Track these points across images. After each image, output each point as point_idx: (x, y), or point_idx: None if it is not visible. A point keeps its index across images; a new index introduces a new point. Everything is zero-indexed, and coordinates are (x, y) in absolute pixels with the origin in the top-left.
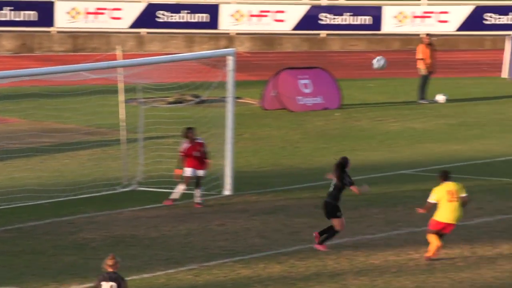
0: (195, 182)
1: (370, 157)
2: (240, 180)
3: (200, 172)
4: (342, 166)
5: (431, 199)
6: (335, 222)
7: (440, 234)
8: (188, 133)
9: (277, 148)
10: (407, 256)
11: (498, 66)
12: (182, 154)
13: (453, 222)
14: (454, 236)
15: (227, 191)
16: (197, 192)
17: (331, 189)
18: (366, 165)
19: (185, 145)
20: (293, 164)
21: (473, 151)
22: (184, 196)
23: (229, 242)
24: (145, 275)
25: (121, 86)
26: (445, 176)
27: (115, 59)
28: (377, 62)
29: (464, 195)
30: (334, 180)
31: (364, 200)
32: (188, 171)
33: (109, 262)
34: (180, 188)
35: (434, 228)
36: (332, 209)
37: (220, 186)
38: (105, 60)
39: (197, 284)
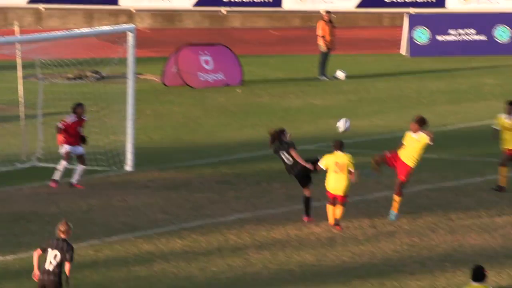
0: (78, 159)
1: None
2: (142, 156)
3: (79, 149)
4: (279, 136)
5: (320, 163)
6: (307, 192)
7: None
8: (78, 108)
9: (178, 124)
10: (308, 230)
11: (396, 43)
12: (64, 124)
13: (339, 193)
14: (354, 210)
15: (128, 167)
16: (79, 169)
17: (289, 161)
18: (267, 140)
19: (71, 118)
20: (195, 140)
21: (373, 126)
22: (85, 172)
23: (131, 218)
24: None
25: (19, 61)
26: (338, 146)
27: (13, 35)
28: (343, 123)
29: (352, 169)
30: (284, 155)
31: (266, 175)
32: (66, 147)
33: (61, 227)
34: (62, 164)
35: (328, 197)
36: (308, 175)
37: (121, 162)
38: (2, 36)
39: (98, 260)
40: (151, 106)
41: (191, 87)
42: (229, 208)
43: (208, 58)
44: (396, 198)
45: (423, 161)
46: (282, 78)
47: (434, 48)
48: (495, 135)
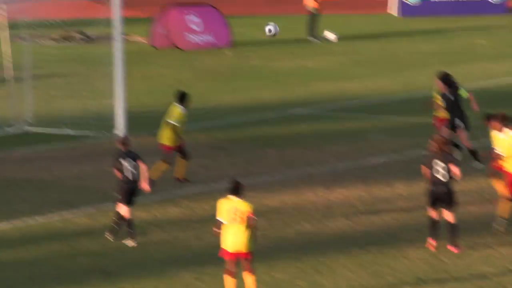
0: None
1: (263, 96)
2: (133, 120)
3: None
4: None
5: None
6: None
7: None
8: None
9: (169, 88)
10: (305, 197)
11: (385, 2)
12: None
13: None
14: (351, 177)
15: (119, 131)
16: None
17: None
18: (260, 104)
19: None
20: None
21: (364, 89)
22: (75, 137)
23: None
24: (40, 219)
25: (4, 22)
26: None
27: None
28: (274, 28)
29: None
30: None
31: (260, 140)
32: None
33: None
34: None
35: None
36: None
37: (112, 127)
38: None
39: (94, 228)
40: (139, 69)
41: (179, 48)
42: (224, 174)
43: (196, 19)
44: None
45: (419, 126)
46: (271, 40)
47: (425, 8)
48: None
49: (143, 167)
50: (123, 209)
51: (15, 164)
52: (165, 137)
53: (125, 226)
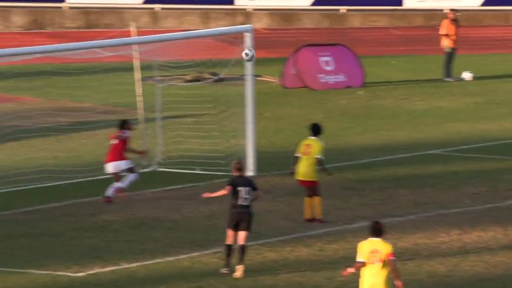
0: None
1: (396, 137)
2: (262, 161)
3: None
4: None
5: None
6: None
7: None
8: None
9: (299, 128)
10: (439, 239)
11: None
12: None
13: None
14: (487, 218)
15: (249, 172)
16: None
17: None
18: (392, 145)
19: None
20: None
21: (502, 130)
22: (205, 177)
23: (254, 224)
24: (169, 258)
25: (136, 63)
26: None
27: (129, 36)
28: (249, 53)
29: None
30: None
31: (391, 181)
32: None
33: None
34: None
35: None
36: None
37: None
38: (119, 37)
39: None
40: (270, 109)
41: (311, 89)
42: (355, 215)
43: (329, 58)
44: None
45: None
46: (405, 80)
47: None
48: None
49: (258, 192)
50: (228, 234)
51: (145, 204)
52: (308, 173)
53: (239, 252)
